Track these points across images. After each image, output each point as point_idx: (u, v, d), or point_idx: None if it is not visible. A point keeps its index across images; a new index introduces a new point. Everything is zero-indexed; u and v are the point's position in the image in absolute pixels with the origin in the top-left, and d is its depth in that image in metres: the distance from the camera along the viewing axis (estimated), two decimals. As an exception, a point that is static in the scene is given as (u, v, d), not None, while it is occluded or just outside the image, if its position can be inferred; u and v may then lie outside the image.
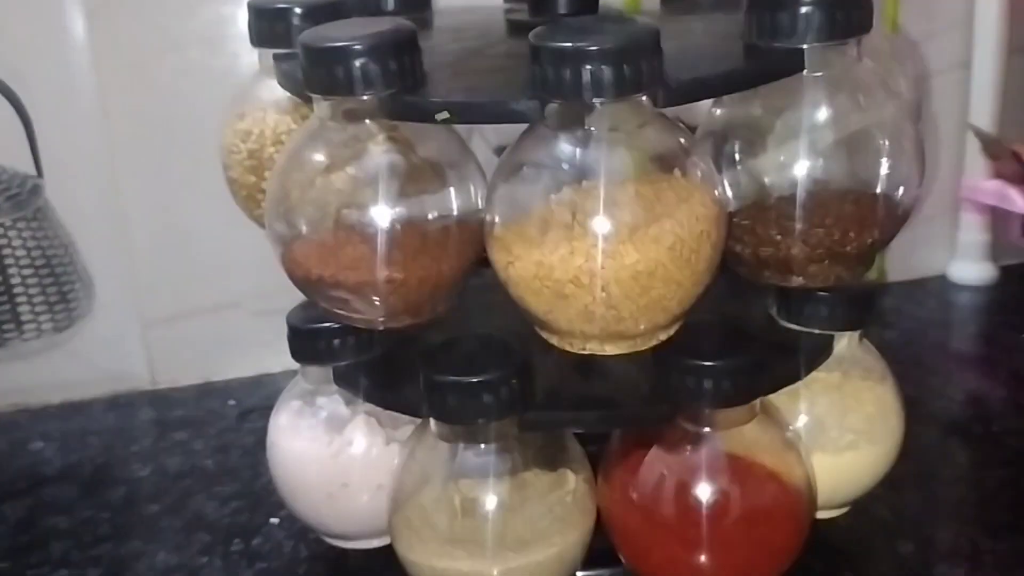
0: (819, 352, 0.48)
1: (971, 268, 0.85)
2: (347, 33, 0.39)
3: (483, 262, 0.44)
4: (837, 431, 0.48)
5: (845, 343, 0.49)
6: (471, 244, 0.43)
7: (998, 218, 0.82)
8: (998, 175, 0.80)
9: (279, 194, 0.43)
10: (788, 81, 0.42)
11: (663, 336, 0.42)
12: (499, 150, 0.57)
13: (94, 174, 0.69)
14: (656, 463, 0.44)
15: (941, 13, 0.78)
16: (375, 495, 0.48)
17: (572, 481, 0.45)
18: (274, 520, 0.56)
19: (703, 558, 0.44)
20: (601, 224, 0.38)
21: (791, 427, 0.46)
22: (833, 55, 0.42)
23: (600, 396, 0.45)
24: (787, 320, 0.48)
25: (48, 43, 0.66)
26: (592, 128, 0.38)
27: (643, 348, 0.42)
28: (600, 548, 0.46)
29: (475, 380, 0.41)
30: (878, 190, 0.44)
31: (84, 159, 0.68)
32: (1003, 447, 0.60)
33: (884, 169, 0.44)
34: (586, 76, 0.36)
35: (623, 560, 0.46)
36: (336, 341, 0.48)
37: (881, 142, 0.44)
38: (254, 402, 0.70)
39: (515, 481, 0.44)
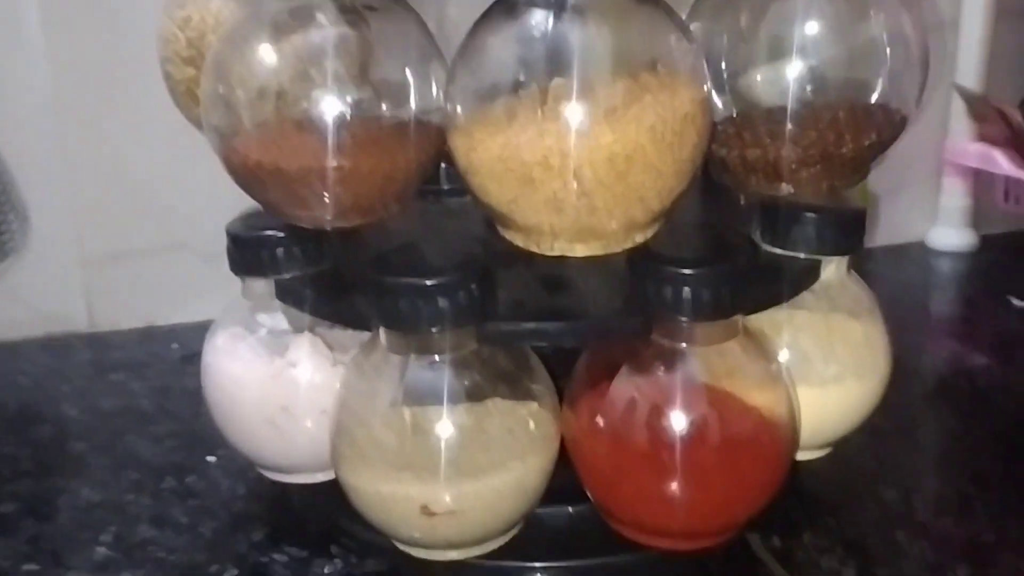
0: (805, 275, 0.44)
1: (952, 234, 0.82)
2: None
3: (440, 161, 0.40)
4: (822, 363, 0.45)
5: (832, 269, 0.45)
6: (429, 139, 0.39)
7: (981, 182, 0.80)
8: (983, 138, 0.78)
9: (217, 77, 0.39)
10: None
11: (639, 238, 0.38)
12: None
13: (35, 101, 0.64)
14: (626, 384, 0.40)
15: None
16: (319, 421, 0.44)
17: (535, 404, 0.41)
18: (211, 459, 0.52)
19: (676, 490, 0.40)
20: (575, 102, 0.34)
21: (776, 357, 0.42)
22: None
23: (568, 308, 0.41)
24: (771, 244, 0.45)
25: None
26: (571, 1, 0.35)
27: (617, 249, 0.38)
28: (561, 483, 0.42)
29: (430, 283, 0.38)
30: (875, 97, 0.41)
31: (24, 85, 0.64)
32: (989, 403, 0.57)
33: (884, 76, 0.40)
34: None
35: (588, 494, 0.42)
36: (280, 251, 0.44)
37: (882, 47, 0.40)
38: (200, 347, 0.66)
39: (472, 401, 0.40)
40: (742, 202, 0.48)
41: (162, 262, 0.69)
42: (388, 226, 0.44)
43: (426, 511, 0.39)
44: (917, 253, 0.82)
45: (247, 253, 0.44)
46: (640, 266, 0.39)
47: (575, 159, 0.34)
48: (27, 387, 0.61)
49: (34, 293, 0.68)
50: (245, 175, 0.40)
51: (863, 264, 0.52)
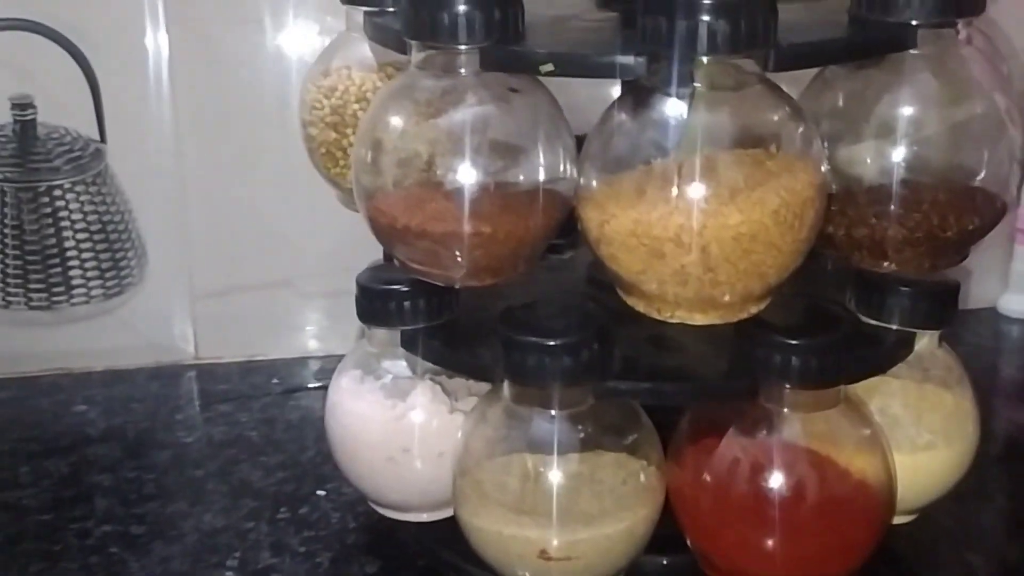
0: (900, 347, 0.47)
1: (1023, 301, 0.83)
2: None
3: (565, 226, 0.43)
4: (915, 430, 0.47)
5: (926, 342, 0.48)
6: (557, 205, 0.43)
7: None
8: (1057, 206, 0.79)
9: (368, 144, 0.43)
10: (887, 62, 0.41)
11: (753, 309, 0.41)
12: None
13: (157, 143, 0.69)
14: (732, 444, 0.43)
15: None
16: (436, 462, 0.47)
17: (644, 458, 0.44)
18: (321, 492, 0.55)
19: (774, 546, 0.42)
20: (705, 183, 0.37)
21: (875, 422, 0.45)
22: (939, 36, 0.41)
23: (678, 368, 0.44)
24: (866, 314, 0.47)
25: (119, 7, 0.66)
26: (698, 85, 0.38)
27: (732, 319, 0.41)
28: (663, 533, 0.45)
29: (555, 342, 0.41)
30: (976, 181, 0.43)
31: (148, 127, 0.68)
32: None
33: (984, 160, 0.43)
34: (701, 29, 0.36)
35: (689, 543, 0.45)
36: (407, 303, 0.47)
37: (983, 132, 0.43)
38: (299, 382, 0.70)
39: (587, 452, 0.43)
40: (829, 267, 0.50)
41: (264, 298, 0.73)
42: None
43: (544, 555, 0.42)
44: (989, 318, 0.83)
45: (375, 303, 0.48)
46: (748, 332, 0.42)
47: (704, 237, 0.37)
48: (141, 414, 0.65)
49: (146, 324, 0.71)
50: (389, 234, 0.43)
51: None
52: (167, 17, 0.66)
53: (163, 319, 0.72)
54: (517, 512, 0.42)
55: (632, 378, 0.43)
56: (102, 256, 0.70)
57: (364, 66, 0.50)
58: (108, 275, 0.70)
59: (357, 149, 0.43)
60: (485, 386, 0.46)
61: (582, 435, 0.43)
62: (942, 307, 0.47)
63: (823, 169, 0.40)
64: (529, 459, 0.43)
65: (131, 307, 0.71)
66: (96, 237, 0.69)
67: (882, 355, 0.46)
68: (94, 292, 0.70)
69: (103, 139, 0.68)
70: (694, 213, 0.37)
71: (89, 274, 0.70)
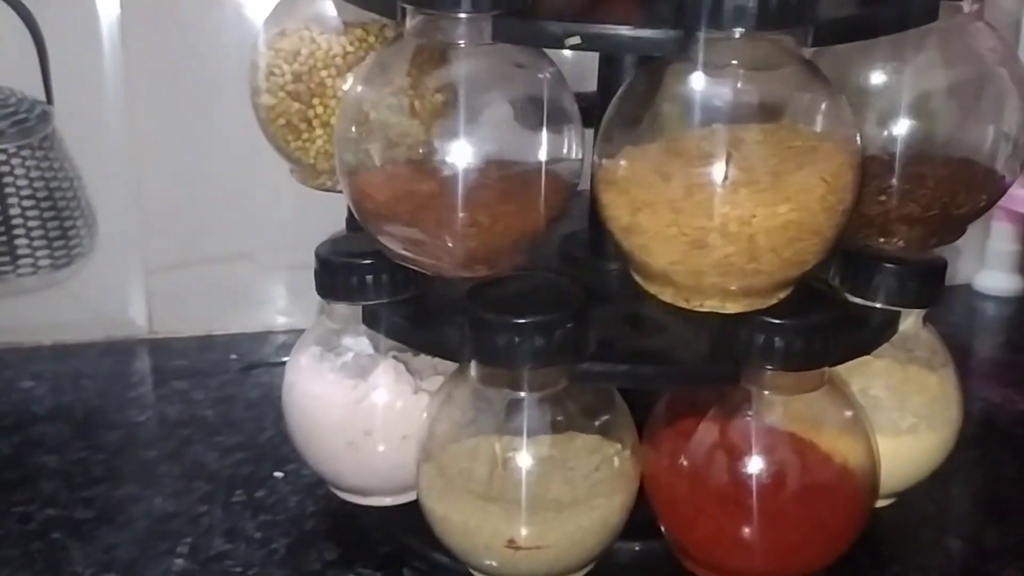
0: (885, 327, 0.45)
1: (1000, 278, 0.82)
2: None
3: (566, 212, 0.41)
4: (898, 413, 0.45)
5: (911, 322, 0.46)
6: (561, 191, 0.39)
7: (1031, 228, 0.80)
8: (1036, 184, 0.78)
9: (352, 117, 0.39)
10: (892, 38, 0.39)
11: (782, 295, 0.39)
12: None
13: (108, 107, 0.65)
14: (711, 428, 0.41)
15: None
16: (399, 446, 0.45)
17: (618, 443, 0.42)
18: (279, 474, 0.53)
19: (753, 534, 0.41)
20: (751, 169, 0.35)
21: (858, 406, 0.43)
22: (950, 10, 0.39)
23: (657, 350, 0.42)
24: (851, 292, 0.45)
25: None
26: (735, 62, 0.35)
27: (761, 306, 0.39)
28: (636, 518, 0.43)
29: (527, 320, 0.38)
30: (983, 156, 0.42)
31: (98, 88, 0.65)
32: None
33: (994, 139, 0.42)
34: (740, 2, 0.33)
35: (664, 531, 0.43)
36: (369, 277, 0.44)
37: (989, 107, 0.42)
38: (258, 358, 0.67)
39: (559, 437, 0.41)
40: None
41: (223, 271, 0.70)
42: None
43: (512, 545, 0.39)
44: (964, 296, 0.82)
45: (335, 277, 0.45)
46: (730, 314, 0.40)
47: (752, 226, 0.35)
48: (92, 391, 0.62)
49: (97, 297, 0.68)
50: (374, 217, 0.40)
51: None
52: (119, -27, 0.62)
53: (116, 292, 0.69)
54: (484, 500, 0.40)
55: (608, 360, 0.41)
56: (50, 225, 0.67)
57: (327, 27, 0.47)
58: (56, 245, 0.67)
59: (340, 122, 0.40)
60: (452, 365, 0.43)
61: (553, 418, 0.41)
62: (929, 285, 0.45)
63: (858, 142, 0.38)
64: (497, 443, 0.40)
65: (82, 279, 0.68)
66: (43, 205, 0.66)
67: (867, 336, 0.44)
68: (41, 263, 0.67)
69: (50, 101, 0.65)
70: (742, 201, 0.35)
71: (36, 243, 0.66)
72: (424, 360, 0.47)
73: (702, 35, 0.35)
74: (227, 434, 0.57)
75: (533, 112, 0.39)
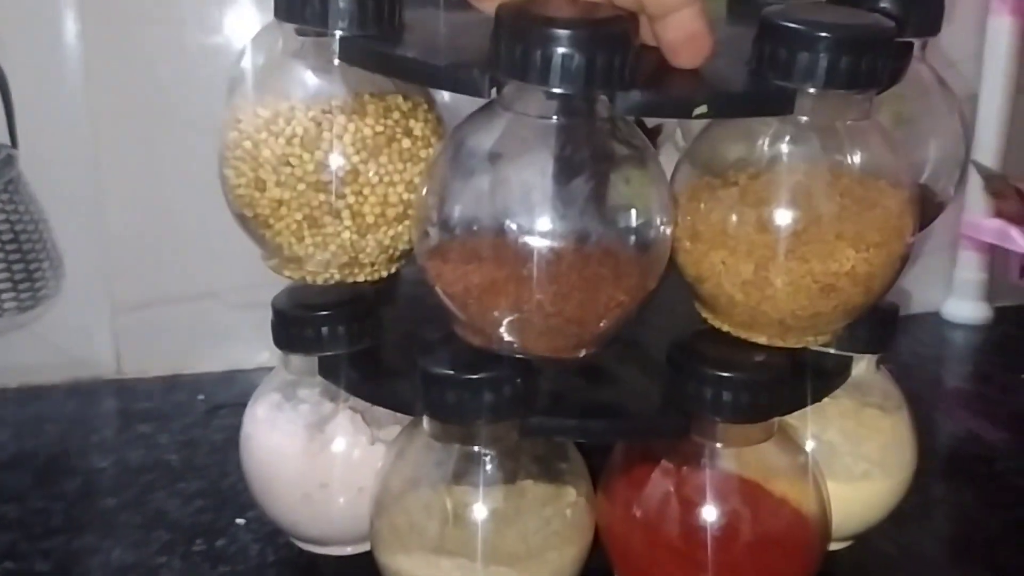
0: (837, 374, 0.45)
1: (967, 307, 0.83)
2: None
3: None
4: (851, 459, 0.46)
5: (864, 367, 0.46)
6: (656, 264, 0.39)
7: (997, 257, 0.81)
8: (999, 213, 0.79)
9: (438, 190, 0.38)
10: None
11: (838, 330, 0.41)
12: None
13: (73, 148, 0.65)
14: (663, 479, 0.41)
15: (953, 46, 0.77)
16: (355, 498, 0.45)
17: (572, 494, 0.42)
18: (240, 521, 0.53)
19: (706, 582, 0.41)
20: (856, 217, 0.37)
21: (807, 453, 0.43)
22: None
23: (608, 404, 0.42)
24: (803, 338, 0.46)
25: (33, 9, 0.62)
26: (803, 118, 0.37)
27: (817, 344, 0.42)
28: (594, 567, 0.43)
29: (476, 376, 0.38)
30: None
31: (63, 132, 0.65)
32: (1007, 487, 0.58)
33: (929, 162, 0.45)
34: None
35: (619, 582, 0.43)
36: (324, 329, 0.44)
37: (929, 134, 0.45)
38: (225, 399, 0.67)
39: (511, 490, 0.41)
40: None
41: (190, 311, 0.70)
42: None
43: None
44: (931, 324, 0.82)
45: (291, 329, 0.45)
46: (680, 366, 0.40)
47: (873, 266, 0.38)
48: (55, 436, 0.62)
49: (64, 338, 0.68)
50: (448, 297, 0.38)
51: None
52: (82, 12, 0.62)
53: (82, 333, 0.69)
54: (437, 554, 0.40)
55: (559, 414, 0.41)
56: (15, 267, 0.66)
57: (344, 105, 0.41)
58: (22, 287, 0.67)
59: (423, 195, 0.38)
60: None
61: (505, 471, 0.41)
62: (882, 330, 0.46)
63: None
64: (448, 498, 0.40)
65: (48, 320, 0.67)
66: (8, 248, 0.66)
67: (819, 383, 0.44)
68: (7, 305, 0.67)
69: (14, 144, 0.65)
70: (862, 251, 0.37)
71: (1, 287, 0.66)
72: (382, 410, 0.47)
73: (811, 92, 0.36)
74: (190, 480, 0.57)
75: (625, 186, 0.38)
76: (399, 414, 0.46)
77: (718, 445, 0.41)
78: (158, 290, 0.69)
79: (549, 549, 0.40)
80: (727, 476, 0.41)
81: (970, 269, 0.82)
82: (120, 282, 0.68)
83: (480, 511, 0.40)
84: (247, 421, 0.48)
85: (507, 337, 0.38)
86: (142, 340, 0.70)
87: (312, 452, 0.45)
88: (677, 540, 0.41)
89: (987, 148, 0.79)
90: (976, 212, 0.80)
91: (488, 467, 0.40)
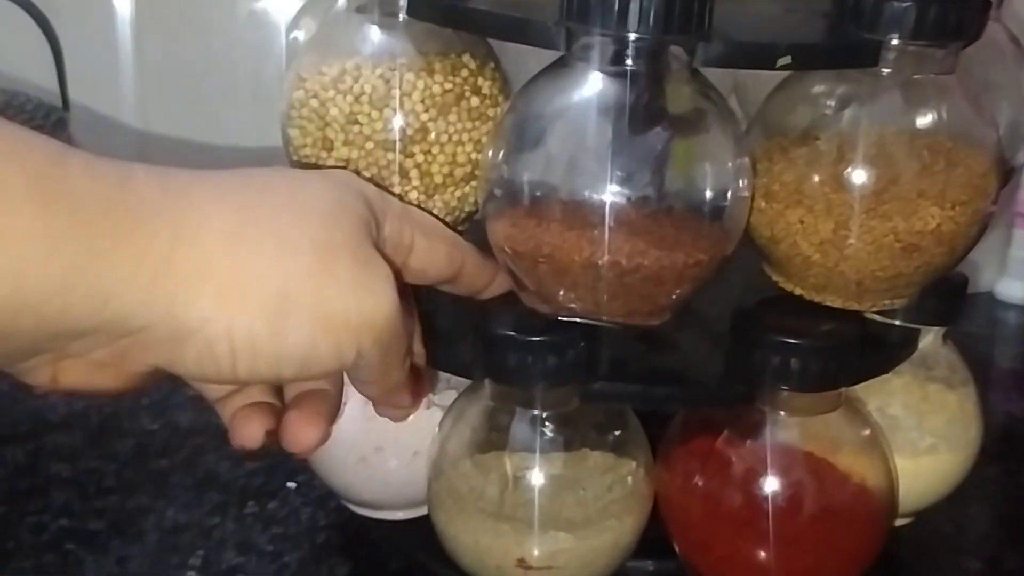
0: (903, 346, 0.44)
1: (1021, 287, 0.81)
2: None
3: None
4: (917, 433, 0.45)
5: (931, 340, 0.45)
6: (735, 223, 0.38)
7: (1054, 237, 0.79)
8: (1058, 191, 0.77)
9: (505, 148, 0.37)
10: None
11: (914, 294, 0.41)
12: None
13: (123, 111, 0.65)
14: (724, 448, 0.41)
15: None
16: (411, 462, 0.44)
17: (632, 463, 0.41)
18: (291, 485, 0.53)
19: (769, 556, 0.40)
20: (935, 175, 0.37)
21: (875, 425, 0.42)
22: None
23: (671, 371, 0.41)
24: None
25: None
26: (886, 71, 0.36)
27: (891, 307, 0.41)
28: (650, 535, 0.42)
29: (538, 339, 0.38)
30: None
31: (114, 97, 0.65)
32: None
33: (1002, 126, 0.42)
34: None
35: (678, 551, 0.42)
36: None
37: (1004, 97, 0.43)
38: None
39: (571, 456, 0.40)
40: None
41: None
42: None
43: (522, 564, 0.39)
44: (985, 304, 0.81)
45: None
46: (745, 331, 0.39)
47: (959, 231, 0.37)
48: (106, 398, 0.62)
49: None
50: (516, 259, 0.37)
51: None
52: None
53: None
54: (495, 518, 0.40)
55: (621, 380, 0.40)
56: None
57: (412, 61, 0.40)
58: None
59: (490, 157, 0.37)
60: (465, 380, 0.43)
61: (566, 437, 0.40)
62: (949, 302, 0.45)
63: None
64: (509, 462, 0.40)
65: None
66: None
67: (885, 355, 0.43)
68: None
69: (66, 107, 0.65)
70: (947, 209, 0.37)
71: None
72: (438, 374, 0.46)
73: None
74: (240, 443, 0.57)
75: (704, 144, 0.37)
76: (453, 380, 0.46)
77: (782, 414, 0.40)
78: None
79: (609, 517, 0.40)
80: (791, 447, 0.40)
81: (1025, 248, 0.81)
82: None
83: (539, 475, 0.40)
84: (302, 383, 0.47)
85: (579, 303, 0.37)
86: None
87: (368, 416, 0.45)
88: (738, 511, 0.40)
89: (1047, 125, 0.77)
90: (1034, 190, 0.78)
91: (548, 432, 0.40)
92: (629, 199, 0.34)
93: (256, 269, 0.29)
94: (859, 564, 0.41)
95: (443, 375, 0.46)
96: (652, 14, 0.33)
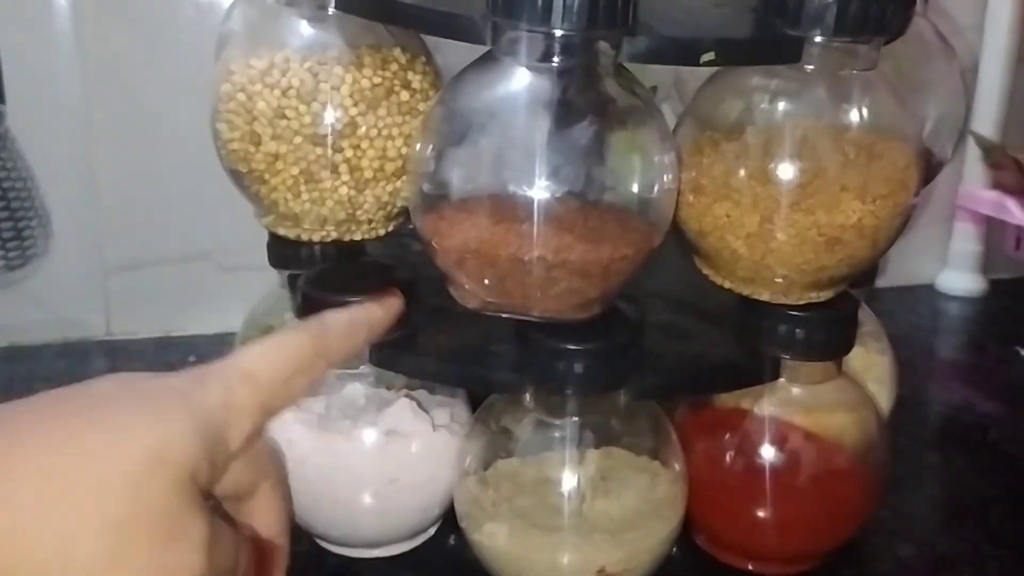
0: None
1: (962, 279, 0.83)
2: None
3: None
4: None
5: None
6: (662, 216, 0.37)
7: (993, 229, 0.81)
8: (997, 185, 0.79)
9: (433, 142, 0.36)
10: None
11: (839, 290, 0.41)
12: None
13: (63, 105, 0.62)
14: (729, 417, 0.42)
15: (955, 15, 0.76)
16: (428, 489, 0.42)
17: (669, 465, 0.41)
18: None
19: (769, 517, 0.42)
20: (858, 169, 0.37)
21: (870, 397, 0.44)
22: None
23: (696, 357, 0.42)
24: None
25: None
26: (809, 67, 0.36)
27: (817, 300, 0.40)
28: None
29: (582, 347, 0.37)
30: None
31: (53, 89, 0.62)
32: (1000, 455, 0.57)
33: (931, 120, 0.45)
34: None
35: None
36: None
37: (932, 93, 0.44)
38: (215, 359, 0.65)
39: (606, 459, 0.40)
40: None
41: (181, 272, 0.68)
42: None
43: (603, 573, 0.38)
44: (926, 296, 0.82)
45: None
46: (752, 308, 0.40)
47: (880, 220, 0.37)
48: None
49: (53, 298, 0.66)
50: (444, 254, 0.36)
51: (871, 304, 0.53)
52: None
53: (72, 293, 0.66)
54: (575, 532, 0.39)
55: (655, 372, 0.40)
56: (3, 226, 0.63)
57: (342, 56, 0.39)
58: (10, 245, 0.64)
59: (420, 150, 0.36)
60: (456, 396, 0.43)
61: (599, 440, 0.40)
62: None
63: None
64: (573, 474, 0.39)
65: (37, 280, 0.65)
66: (-4, 204, 0.63)
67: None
68: (-5, 263, 0.64)
69: (2, 100, 0.62)
70: (868, 203, 0.37)
71: (-11, 244, 0.64)
72: (424, 395, 0.44)
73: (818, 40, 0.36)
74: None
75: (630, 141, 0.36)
76: (444, 399, 0.44)
77: (782, 381, 0.41)
78: (149, 251, 0.66)
79: (648, 519, 0.39)
80: (789, 415, 0.41)
81: (966, 241, 0.82)
82: (110, 242, 0.66)
83: (570, 480, 0.39)
84: (282, 429, 0.41)
85: (506, 297, 0.36)
86: (132, 301, 0.67)
87: (379, 447, 0.41)
88: (740, 478, 0.41)
89: (986, 119, 0.79)
90: (973, 183, 0.80)
91: (581, 436, 0.39)
92: (555, 194, 0.34)
93: (37, 555, 0.25)
94: (855, 520, 0.43)
95: (431, 396, 0.44)
96: (576, 9, 0.32)
